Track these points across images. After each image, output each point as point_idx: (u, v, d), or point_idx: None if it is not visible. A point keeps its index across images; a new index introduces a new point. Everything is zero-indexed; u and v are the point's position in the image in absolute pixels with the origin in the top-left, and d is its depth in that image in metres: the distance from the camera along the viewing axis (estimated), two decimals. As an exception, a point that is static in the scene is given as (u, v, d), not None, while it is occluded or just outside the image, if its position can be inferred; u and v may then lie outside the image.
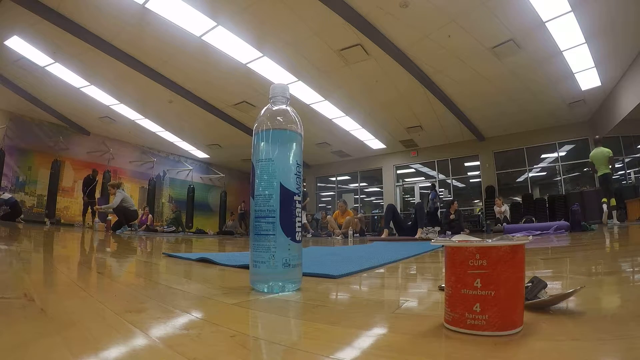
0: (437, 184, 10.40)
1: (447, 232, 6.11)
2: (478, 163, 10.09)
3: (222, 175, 12.67)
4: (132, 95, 7.65)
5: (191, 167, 12.20)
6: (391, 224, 4.86)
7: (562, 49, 5.54)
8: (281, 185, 0.55)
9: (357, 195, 12.46)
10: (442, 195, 10.60)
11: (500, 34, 5.22)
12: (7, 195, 6.80)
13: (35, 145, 8.70)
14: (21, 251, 1.29)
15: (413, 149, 10.75)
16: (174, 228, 8.54)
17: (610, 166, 5.96)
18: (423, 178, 11.41)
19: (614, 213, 5.84)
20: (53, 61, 6.31)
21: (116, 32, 5.46)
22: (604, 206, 5.88)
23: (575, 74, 6.30)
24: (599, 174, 6.07)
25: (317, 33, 5.34)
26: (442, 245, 0.36)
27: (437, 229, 4.85)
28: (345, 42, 5.54)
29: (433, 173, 10.98)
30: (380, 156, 11.37)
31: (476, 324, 0.30)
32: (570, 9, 4.61)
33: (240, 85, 6.95)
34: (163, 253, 1.46)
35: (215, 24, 5.15)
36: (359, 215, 6.30)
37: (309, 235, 6.28)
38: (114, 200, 5.47)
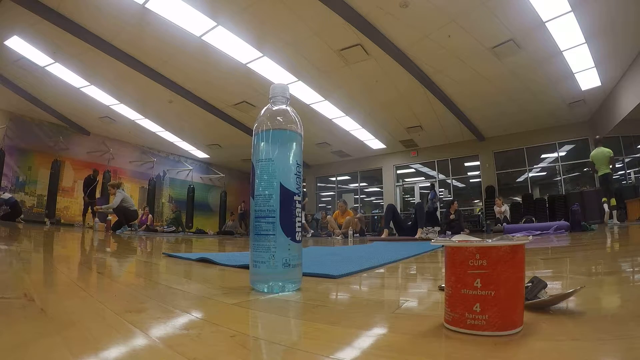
0: (437, 184, 10.40)
1: (447, 232, 6.11)
2: (478, 163, 10.09)
3: (222, 175, 12.67)
4: (132, 95, 7.65)
5: (191, 167, 12.21)
6: (391, 224, 4.86)
7: (562, 49, 5.54)
8: (281, 185, 0.55)
9: (357, 195, 12.46)
10: (442, 195, 10.60)
11: (500, 34, 5.22)
12: (7, 195, 6.80)
13: (35, 145, 8.70)
14: (21, 251, 1.29)
15: (413, 149, 10.75)
16: (174, 228, 8.54)
17: (610, 166, 5.97)
18: (423, 178, 11.41)
19: (614, 213, 5.85)
20: (53, 61, 6.31)
21: (116, 32, 5.46)
22: (605, 206, 5.88)
23: (575, 74, 6.30)
24: (600, 173, 6.07)
25: (317, 33, 5.34)
26: (442, 245, 0.36)
27: (437, 229, 4.85)
28: (345, 42, 5.54)
29: (433, 173, 10.98)
30: (380, 156, 11.37)
31: (476, 324, 0.30)
32: (570, 9, 4.62)
33: (240, 85, 6.95)
34: (163, 253, 1.46)
35: (215, 24, 5.15)
36: (358, 215, 6.30)
37: (309, 235, 6.28)
38: (114, 201, 5.47)
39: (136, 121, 9.00)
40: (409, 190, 11.83)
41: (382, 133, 9.62)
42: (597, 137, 6.48)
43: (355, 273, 0.80)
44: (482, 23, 5.00)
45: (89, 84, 7.11)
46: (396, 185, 11.50)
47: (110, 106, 8.12)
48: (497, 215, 7.65)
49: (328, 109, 7.95)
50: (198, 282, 0.72)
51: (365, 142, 10.21)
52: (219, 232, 9.54)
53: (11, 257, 1.06)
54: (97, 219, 6.16)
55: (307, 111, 7.71)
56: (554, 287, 0.57)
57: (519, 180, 9.92)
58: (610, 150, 5.98)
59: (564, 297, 0.40)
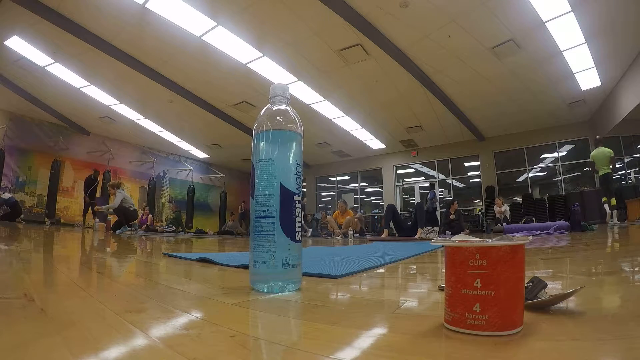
0: (436, 184, 10.40)
1: (447, 232, 6.11)
2: (478, 163, 10.09)
3: (222, 175, 12.67)
4: (132, 95, 7.65)
5: (191, 167, 12.21)
6: (391, 224, 4.86)
7: (562, 49, 5.54)
8: (281, 185, 0.55)
9: (357, 195, 12.46)
10: (442, 195, 10.60)
11: (500, 34, 5.22)
12: (7, 195, 6.80)
13: (35, 145, 8.70)
14: (21, 251, 1.29)
15: (413, 149, 10.75)
16: (174, 228, 8.54)
17: (611, 166, 5.98)
18: (423, 178, 11.41)
19: (614, 213, 5.85)
20: (53, 61, 6.31)
21: (116, 32, 5.46)
22: (606, 206, 5.88)
23: (575, 74, 6.30)
24: (600, 173, 6.08)
25: (317, 33, 5.34)
26: (442, 245, 0.36)
27: (436, 228, 4.85)
28: (345, 42, 5.54)
29: (433, 173, 10.98)
30: (380, 156, 11.37)
31: (476, 324, 0.30)
32: (570, 9, 4.61)
33: (240, 85, 6.95)
34: (163, 253, 1.46)
35: (215, 24, 5.15)
36: (357, 215, 6.30)
37: (307, 235, 6.28)
38: (115, 201, 5.47)
39: (136, 121, 9.00)
40: (409, 190, 11.83)
41: (382, 133, 9.62)
42: (598, 137, 6.49)
43: (355, 273, 0.80)
44: (482, 23, 5.00)
45: (89, 84, 7.11)
46: (396, 185, 11.50)
47: (110, 106, 8.12)
48: (497, 215, 7.65)
49: (328, 109, 7.95)
50: (198, 282, 0.72)
51: (365, 142, 10.21)
52: (218, 232, 9.54)
53: (11, 257, 1.06)
54: (97, 219, 6.16)
55: (307, 111, 7.71)
56: (554, 287, 0.57)
57: (519, 180, 9.92)
58: (611, 150, 5.98)
59: (564, 297, 0.40)
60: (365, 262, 0.99)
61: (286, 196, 0.55)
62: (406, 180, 11.75)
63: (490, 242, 0.32)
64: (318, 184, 13.17)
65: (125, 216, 5.54)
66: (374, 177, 12.09)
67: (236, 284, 0.65)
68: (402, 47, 5.60)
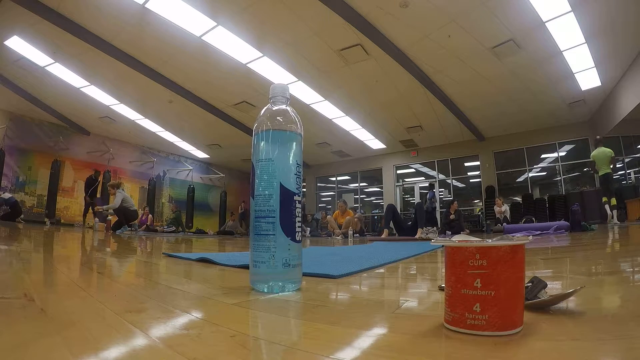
0: (437, 184, 10.40)
1: (447, 232, 6.11)
2: (478, 163, 10.09)
3: (222, 175, 12.67)
4: (132, 95, 7.65)
5: (191, 167, 12.21)
6: (391, 224, 4.86)
7: (562, 49, 5.54)
8: (281, 185, 0.55)
9: (357, 195, 12.46)
10: (442, 195, 10.60)
11: (500, 34, 5.22)
12: (7, 195, 6.80)
13: (35, 145, 8.70)
14: (21, 251, 1.29)
15: (413, 149, 10.75)
16: (174, 228, 8.54)
17: (611, 166, 5.98)
18: (423, 178, 11.41)
19: (614, 212, 5.85)
20: (53, 61, 6.31)
21: (116, 32, 5.46)
22: (607, 207, 5.88)
23: (575, 74, 6.30)
24: (601, 173, 6.08)
25: (317, 33, 5.34)
26: (442, 245, 0.36)
27: (436, 228, 4.85)
28: (345, 42, 5.54)
29: (433, 173, 10.98)
30: (380, 156, 11.37)
31: (476, 324, 0.30)
32: (570, 9, 4.61)
33: (240, 85, 6.95)
34: (163, 253, 1.46)
35: (215, 24, 5.15)
36: (357, 215, 6.30)
37: (306, 234, 6.28)
38: (115, 201, 5.46)
39: (136, 121, 9.00)
40: (409, 190, 11.83)
41: (382, 133, 9.62)
42: (598, 137, 6.49)
43: (355, 273, 0.80)
44: (482, 23, 5.00)
45: (89, 84, 7.11)
46: (396, 185, 11.50)
47: (110, 106, 8.12)
48: (497, 215, 7.65)
49: (328, 109, 7.95)
50: (198, 282, 0.72)
51: (365, 142, 10.21)
52: (218, 232, 9.54)
53: (11, 257, 1.06)
54: (97, 219, 6.16)
55: (307, 111, 7.71)
56: (554, 287, 0.57)
57: (519, 180, 9.92)
58: (611, 150, 5.99)
59: (564, 297, 0.40)
60: (365, 262, 0.99)
61: (286, 196, 0.55)
62: (406, 180, 11.75)
63: (490, 242, 0.32)
64: (318, 184, 13.17)
65: (125, 216, 5.54)
66: (374, 177, 12.09)
67: (236, 284, 0.65)
68: (402, 47, 5.60)
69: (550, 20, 4.85)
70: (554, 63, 5.94)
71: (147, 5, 4.81)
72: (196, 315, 0.41)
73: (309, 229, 6.94)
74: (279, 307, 0.46)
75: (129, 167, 10.69)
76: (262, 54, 5.92)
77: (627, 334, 0.31)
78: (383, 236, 4.52)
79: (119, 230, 5.30)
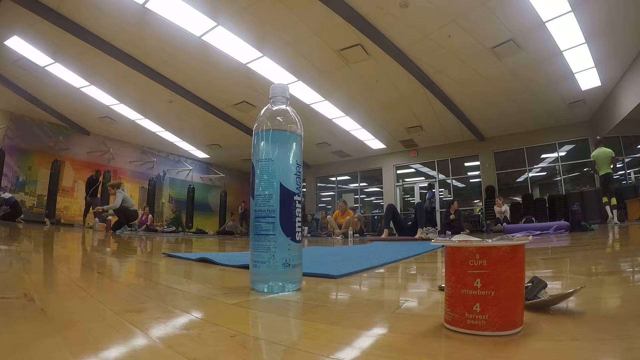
0: (436, 184, 10.40)
1: (447, 232, 6.11)
2: (478, 163, 10.09)
3: (222, 175, 12.67)
4: (132, 95, 7.65)
5: (191, 167, 12.21)
6: (391, 224, 4.86)
7: (562, 49, 5.54)
8: (281, 185, 0.55)
9: (357, 195, 12.46)
10: (442, 195, 10.60)
11: (500, 34, 5.22)
12: (7, 195, 6.81)
13: (35, 145, 8.70)
14: (21, 251, 1.29)
15: (413, 149, 10.75)
16: (174, 228, 8.54)
17: (612, 166, 5.99)
18: (423, 178, 11.41)
19: (614, 212, 5.85)
20: (53, 61, 6.31)
21: (116, 32, 5.46)
22: (607, 208, 5.89)
23: (575, 74, 6.30)
24: (601, 173, 6.09)
25: (317, 33, 5.34)
26: (442, 245, 0.36)
27: (436, 228, 4.85)
28: (345, 42, 5.54)
29: (433, 173, 10.98)
30: (380, 156, 11.37)
31: (476, 324, 0.30)
32: (570, 9, 4.61)
33: (240, 85, 6.95)
34: (163, 253, 1.46)
35: (215, 24, 5.15)
36: (357, 215, 6.30)
37: (304, 233, 6.28)
38: (116, 201, 5.46)
39: (136, 121, 9.00)
40: (409, 190, 11.83)
41: (382, 133, 9.62)
42: (598, 137, 6.50)
43: (355, 273, 0.80)
44: (482, 23, 5.00)
45: (89, 84, 7.11)
46: (396, 185, 11.50)
47: (110, 106, 8.12)
48: (497, 215, 7.65)
49: (328, 109, 7.95)
50: (198, 282, 0.72)
51: (365, 142, 10.21)
52: (218, 231, 9.55)
53: (11, 257, 1.06)
54: (97, 219, 6.16)
55: (307, 111, 7.71)
56: (554, 287, 0.57)
57: (519, 180, 9.92)
58: (612, 151, 6.00)
59: (564, 297, 0.40)
60: (365, 262, 0.99)
61: (286, 196, 0.55)
62: (406, 180, 11.75)
63: (490, 242, 0.32)
64: (318, 184, 13.17)
65: (125, 216, 5.54)
66: (374, 177, 12.09)
67: (236, 284, 0.65)
68: (402, 47, 5.60)
69: (550, 20, 4.85)
70: (554, 63, 5.94)
71: (147, 5, 4.81)
72: (196, 315, 0.41)
73: (306, 228, 6.93)
74: (279, 307, 0.46)
75: (129, 167, 10.69)
76: (262, 54, 5.92)
77: (627, 334, 0.31)
78: (383, 236, 4.53)
79: (119, 230, 5.30)
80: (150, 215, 8.41)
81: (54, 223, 7.59)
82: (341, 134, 9.44)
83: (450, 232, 5.98)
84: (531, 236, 2.01)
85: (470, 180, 10.74)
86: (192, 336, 0.32)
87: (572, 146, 9.02)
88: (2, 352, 0.26)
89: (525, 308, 0.34)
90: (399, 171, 11.61)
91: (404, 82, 6.61)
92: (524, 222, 6.15)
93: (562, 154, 9.11)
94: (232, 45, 5.62)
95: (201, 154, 11.81)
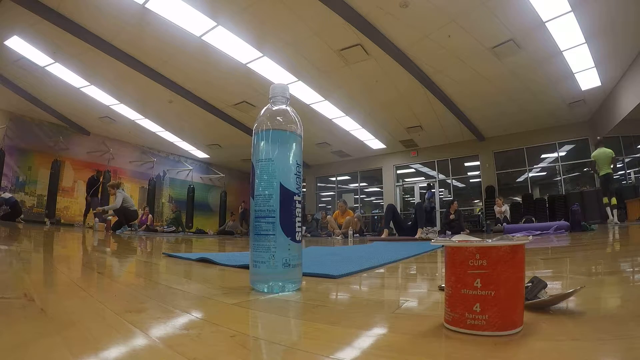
0: (436, 184, 10.40)
1: (447, 232, 6.11)
2: (478, 163, 10.09)
3: (222, 175, 12.67)
4: (132, 95, 7.65)
5: (191, 167, 12.21)
6: (391, 224, 4.86)
7: (562, 49, 5.54)
8: (281, 185, 0.55)
9: (357, 195, 12.46)
10: (442, 195, 10.60)
11: (500, 34, 5.22)
12: (7, 195, 6.81)
13: (35, 145, 8.70)
14: (21, 251, 1.29)
15: (413, 149, 10.75)
16: (174, 228, 8.54)
17: (612, 166, 5.99)
18: (423, 178, 11.41)
19: (615, 212, 5.86)
20: (53, 61, 6.31)
21: (116, 32, 5.46)
22: (608, 210, 5.89)
23: (575, 74, 6.30)
24: (601, 173, 6.09)
25: (317, 33, 5.34)
26: (442, 245, 0.36)
27: (436, 228, 4.85)
28: (345, 42, 5.54)
29: (433, 173, 10.98)
30: (380, 156, 11.37)
31: (476, 324, 0.30)
32: (570, 9, 4.61)
33: (240, 85, 6.95)
34: (163, 253, 1.46)
35: (215, 24, 5.15)
36: (356, 215, 6.30)
37: (304, 233, 6.27)
38: (116, 201, 5.46)
39: (136, 121, 9.00)
40: (409, 190, 11.83)
41: (382, 133, 9.62)
42: (599, 138, 6.50)
43: (355, 273, 0.80)
44: (482, 23, 5.00)
45: (89, 84, 7.11)
46: (396, 185, 11.50)
47: (110, 106, 8.12)
48: (497, 215, 7.65)
49: (328, 109, 7.95)
50: (198, 282, 0.72)
51: (365, 142, 10.21)
52: (218, 231, 9.55)
53: (11, 257, 1.06)
54: (97, 219, 6.16)
55: (307, 111, 7.71)
56: (554, 287, 0.57)
57: (519, 180, 9.92)
58: (612, 151, 6.01)
59: (564, 297, 0.40)
60: (365, 262, 0.99)
61: (286, 196, 0.55)
62: (406, 180, 11.76)
63: (490, 242, 0.32)
64: (318, 184, 13.17)
65: (126, 216, 5.54)
66: (374, 177, 12.09)
67: (236, 284, 0.65)
68: (402, 47, 5.60)
69: (550, 20, 4.85)
70: (554, 63, 5.94)
71: (147, 5, 4.81)
72: (196, 315, 0.41)
73: (304, 227, 6.92)
74: (279, 307, 0.46)
75: (129, 167, 10.69)
76: (262, 54, 5.92)
77: (627, 334, 0.31)
78: (383, 236, 4.53)
79: (119, 230, 5.30)
80: (150, 215, 8.41)
81: (54, 223, 7.59)
82: (341, 134, 9.44)
83: (450, 232, 5.98)
84: (531, 236, 2.01)
85: (470, 180, 10.74)
86: (192, 336, 0.32)
87: (572, 146, 9.02)
88: (2, 352, 0.26)
89: (525, 308, 0.34)
90: (399, 171, 11.61)
91: (404, 82, 6.61)
92: (524, 222, 6.15)
93: (562, 154, 9.11)
94: (232, 45, 5.62)
95: (201, 154, 11.81)
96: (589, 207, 6.57)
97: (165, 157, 11.71)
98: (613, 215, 5.81)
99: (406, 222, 5.10)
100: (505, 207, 7.78)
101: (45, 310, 0.39)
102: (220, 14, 4.98)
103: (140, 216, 7.25)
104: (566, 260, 1.12)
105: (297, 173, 0.57)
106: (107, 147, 10.01)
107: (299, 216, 0.57)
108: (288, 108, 0.59)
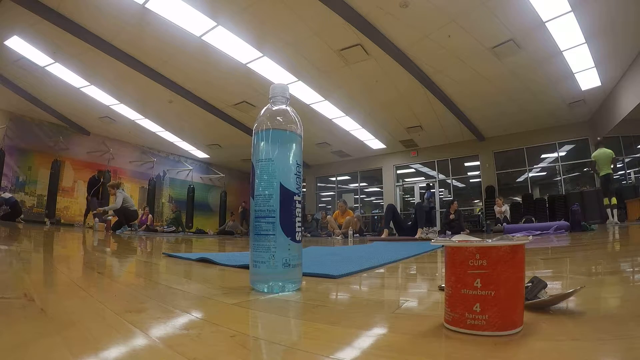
0: (436, 184, 10.40)
1: (447, 232, 6.11)
2: (478, 163, 10.09)
3: (222, 175, 12.67)
4: (132, 95, 7.65)
5: (191, 167, 12.21)
6: (391, 224, 4.86)
7: (562, 49, 5.54)
8: (281, 185, 0.55)
9: (357, 195, 12.46)
10: (442, 195, 10.60)
11: (500, 34, 5.22)
12: (7, 195, 6.81)
13: (35, 145, 8.71)
14: (21, 251, 1.29)
15: (413, 149, 10.75)
16: (174, 228, 8.54)
17: (612, 166, 5.99)
18: (423, 178, 11.41)
19: (614, 212, 5.86)
20: (53, 61, 6.31)
21: (116, 32, 5.46)
22: (608, 211, 5.89)
23: (575, 74, 6.30)
24: (602, 174, 6.09)
25: (317, 33, 5.34)
26: (442, 245, 0.36)
27: (436, 228, 4.85)
28: (345, 42, 5.54)
29: (433, 173, 10.98)
30: (380, 156, 11.37)
31: (476, 324, 0.30)
32: (570, 9, 4.61)
33: (240, 85, 6.95)
34: (163, 253, 1.46)
35: (215, 24, 5.15)
36: (356, 215, 6.30)
37: (304, 233, 6.28)
38: (116, 201, 5.46)
39: (136, 121, 9.00)
40: (409, 190, 11.83)
41: (382, 133, 9.62)
42: (599, 138, 6.50)
43: (355, 273, 0.80)
44: (482, 23, 5.00)
45: (89, 84, 7.11)
46: (396, 185, 11.50)
47: (110, 106, 8.12)
48: (497, 215, 7.65)
49: (328, 109, 7.95)
50: (198, 282, 0.72)
51: (365, 142, 10.21)
52: (218, 231, 9.55)
53: (11, 257, 1.06)
54: (97, 219, 6.16)
55: (307, 111, 7.71)
56: (554, 287, 0.57)
57: (519, 180, 9.92)
58: (612, 151, 6.01)
59: (564, 297, 0.40)
60: (365, 262, 0.99)
61: (286, 196, 0.55)
62: (406, 180, 11.76)
63: (490, 242, 0.32)
64: (318, 184, 13.17)
65: (126, 216, 5.54)
66: (374, 177, 12.09)
67: (236, 284, 0.65)
68: (402, 47, 5.60)
69: (550, 20, 4.85)
70: (554, 63, 5.94)
71: (147, 5, 4.81)
72: (196, 315, 0.41)
73: (302, 227, 6.93)
74: (279, 307, 0.46)
75: (129, 167, 10.69)
76: (262, 54, 5.92)
77: (627, 334, 0.31)
78: (383, 236, 4.52)
79: (119, 230, 5.30)
80: (150, 215, 8.41)
81: (54, 223, 7.59)
82: (341, 134, 9.44)
83: (450, 232, 5.98)
84: (531, 236, 2.01)
85: (470, 180, 10.74)
86: (192, 336, 0.32)
87: (572, 146, 9.02)
88: (2, 352, 0.26)
89: (525, 308, 0.34)
90: (399, 171, 11.62)
91: (404, 82, 6.61)
92: (524, 222, 6.14)
93: (562, 154, 9.11)
94: (232, 45, 5.62)
95: (201, 154, 11.81)
96: (589, 207, 6.57)
97: (165, 157, 11.71)
98: (613, 216, 5.82)
99: (406, 222, 5.10)
100: (505, 207, 7.78)
101: (45, 310, 0.39)
102: (220, 14, 4.98)
103: (140, 216, 7.25)
104: (566, 260, 1.12)
105: (297, 173, 0.57)
106: (107, 147, 10.01)
107: (299, 216, 0.57)
108: (288, 108, 0.59)
